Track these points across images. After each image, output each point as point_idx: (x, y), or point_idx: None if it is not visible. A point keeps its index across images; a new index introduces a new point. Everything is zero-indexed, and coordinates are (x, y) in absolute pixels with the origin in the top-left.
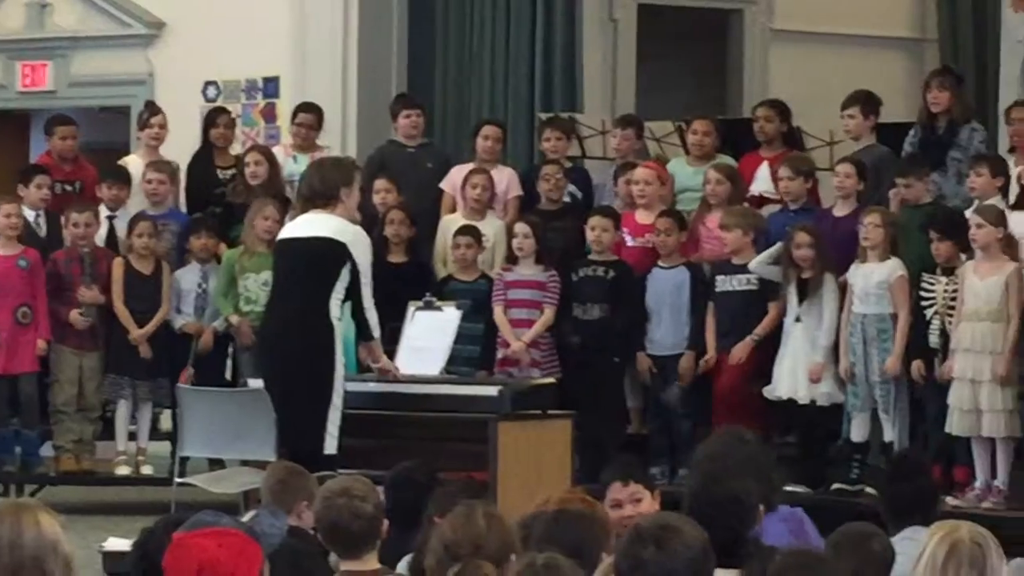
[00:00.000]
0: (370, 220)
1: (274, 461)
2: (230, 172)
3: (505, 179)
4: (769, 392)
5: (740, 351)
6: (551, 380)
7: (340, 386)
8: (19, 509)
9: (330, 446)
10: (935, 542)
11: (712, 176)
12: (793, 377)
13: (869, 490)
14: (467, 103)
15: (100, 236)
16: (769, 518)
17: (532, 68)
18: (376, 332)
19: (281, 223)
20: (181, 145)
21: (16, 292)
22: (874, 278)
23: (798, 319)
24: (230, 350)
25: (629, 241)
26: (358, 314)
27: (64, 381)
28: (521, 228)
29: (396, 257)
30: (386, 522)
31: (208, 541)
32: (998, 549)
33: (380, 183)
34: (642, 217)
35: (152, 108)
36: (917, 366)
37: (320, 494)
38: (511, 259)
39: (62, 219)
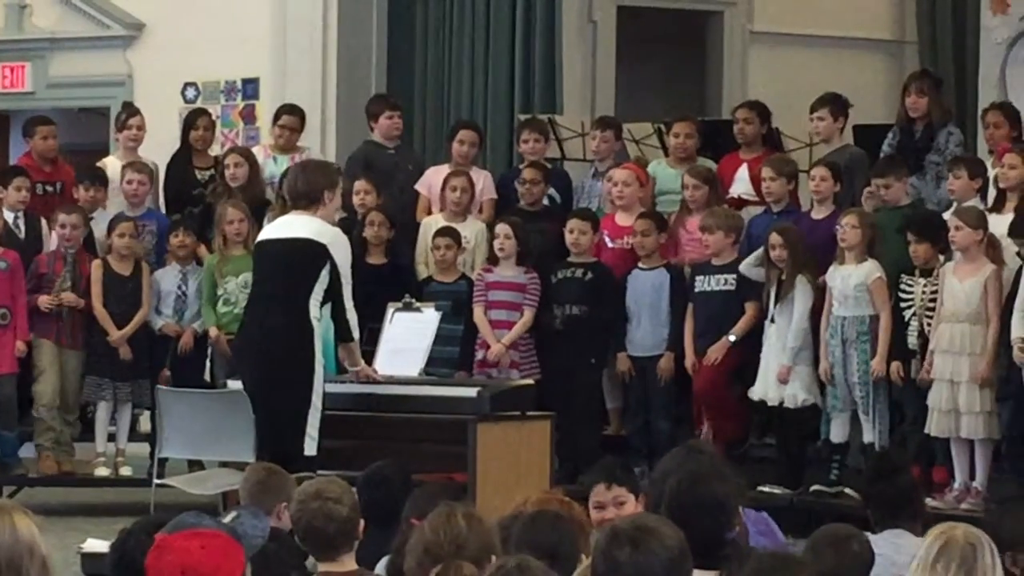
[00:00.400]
0: (350, 221)
1: (253, 463)
2: (208, 173)
3: (480, 181)
4: (752, 394)
5: (716, 351)
6: (530, 382)
7: (320, 387)
8: None
9: (309, 447)
10: (929, 540)
11: (689, 181)
12: (765, 379)
13: (848, 491)
14: (446, 104)
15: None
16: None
17: (511, 69)
18: (355, 334)
19: (247, 222)
20: (160, 146)
21: None
22: (852, 280)
23: (772, 320)
24: (208, 351)
25: (609, 243)
26: (338, 315)
27: (47, 374)
28: (502, 229)
29: (375, 258)
30: (362, 523)
31: (191, 543)
32: (993, 551)
33: (360, 184)
34: (621, 219)
35: (130, 109)
36: (896, 367)
37: (295, 497)
38: (491, 260)
39: (46, 221)
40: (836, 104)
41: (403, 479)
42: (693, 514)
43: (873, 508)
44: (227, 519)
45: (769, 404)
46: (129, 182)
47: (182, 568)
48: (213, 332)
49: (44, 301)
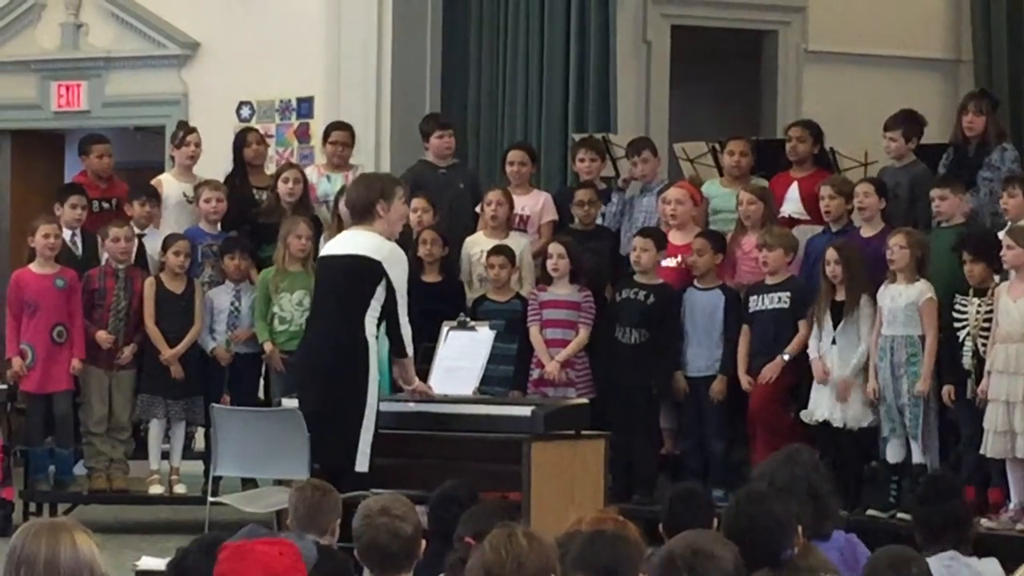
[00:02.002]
0: (404, 239)
1: (301, 481)
2: (266, 192)
3: (540, 203)
4: (807, 415)
5: (770, 370)
6: (584, 400)
7: (374, 404)
8: (55, 528)
9: (361, 464)
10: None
11: (744, 197)
12: (829, 400)
13: (902, 514)
14: (500, 124)
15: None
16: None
17: (566, 89)
18: (410, 350)
19: (314, 241)
20: (215, 165)
21: (53, 311)
22: (902, 300)
23: (834, 341)
24: (263, 369)
25: (662, 261)
26: (393, 331)
27: (94, 401)
28: (555, 248)
29: (429, 277)
30: (424, 542)
31: (271, 548)
32: None
33: (416, 202)
34: (675, 237)
35: (187, 128)
36: (948, 390)
37: (360, 512)
38: (544, 280)
39: (99, 236)
40: (909, 123)
41: (472, 499)
42: (750, 533)
43: (920, 529)
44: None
45: (824, 423)
46: (207, 200)
47: (263, 570)
48: (268, 347)
49: (102, 339)
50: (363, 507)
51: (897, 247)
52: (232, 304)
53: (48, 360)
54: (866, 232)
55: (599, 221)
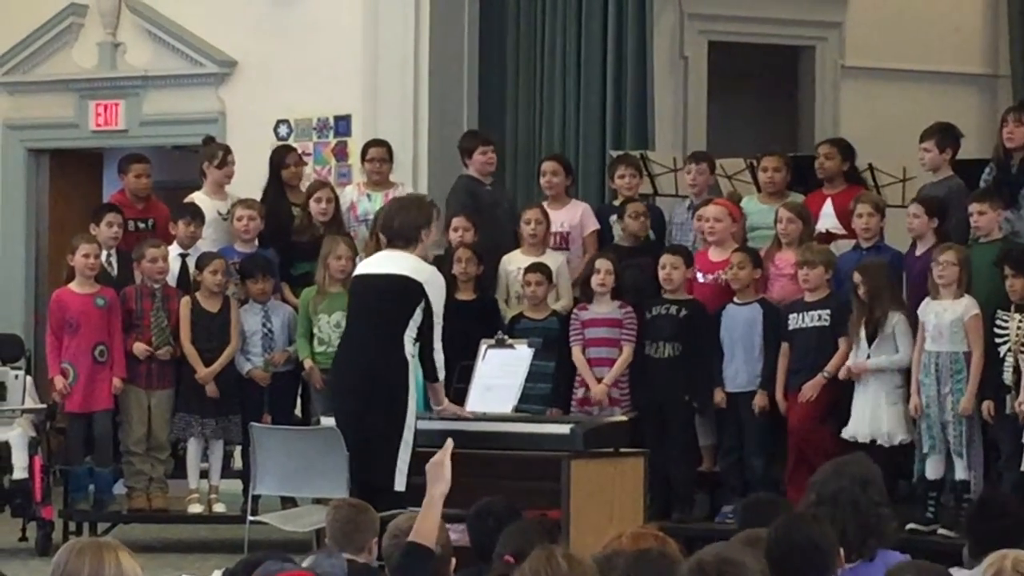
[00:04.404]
0: (443, 258)
1: (336, 499)
2: (299, 210)
3: (579, 214)
4: (847, 433)
5: (810, 389)
6: (623, 418)
7: (412, 423)
8: (99, 547)
9: (399, 483)
10: (982, 569)
11: (784, 215)
12: (863, 417)
13: (943, 530)
14: (538, 141)
15: (173, 274)
16: (870, 566)
17: (603, 105)
18: (441, 375)
19: (349, 260)
20: (253, 183)
21: (94, 330)
22: (948, 316)
23: (868, 358)
24: (300, 388)
25: (700, 278)
26: (425, 355)
27: (133, 421)
28: (603, 264)
29: (464, 295)
30: (453, 561)
31: None
32: None
33: (458, 221)
34: (713, 254)
35: (225, 147)
36: (987, 405)
37: (388, 531)
38: (585, 297)
39: (133, 255)
40: (943, 135)
41: (511, 515)
42: (790, 558)
43: (971, 545)
44: (306, 563)
45: (861, 441)
46: (239, 219)
47: None
48: (308, 364)
49: (140, 350)
50: (392, 527)
51: (948, 263)
52: (264, 326)
53: (90, 379)
54: (919, 250)
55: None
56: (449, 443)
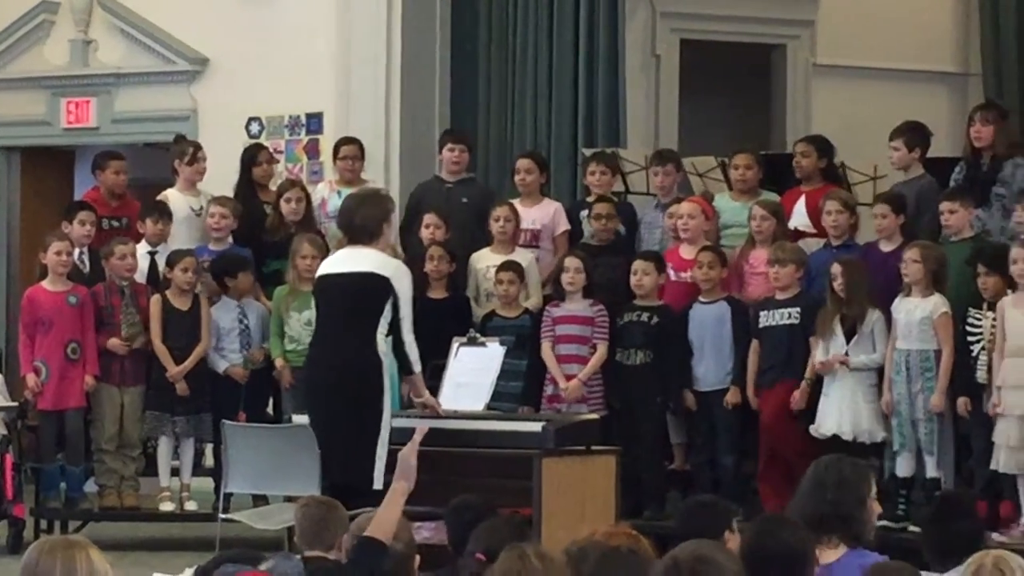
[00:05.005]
0: (413, 256)
1: (306, 497)
2: (271, 208)
3: (552, 213)
4: (815, 430)
5: (799, 398)
6: (595, 416)
7: (387, 421)
8: (71, 546)
9: (377, 481)
10: (963, 569)
11: (757, 212)
12: (839, 414)
13: (913, 528)
14: (510, 139)
15: (142, 272)
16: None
17: (575, 104)
18: (417, 367)
19: (319, 258)
20: (223, 180)
21: (66, 328)
22: (917, 314)
23: (847, 355)
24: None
25: (673, 276)
26: (399, 348)
27: (105, 419)
28: (572, 262)
29: (436, 293)
30: (418, 558)
31: None
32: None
33: (429, 218)
34: (686, 252)
35: (195, 144)
36: (963, 403)
37: (351, 529)
38: (558, 294)
39: (102, 252)
40: (912, 134)
41: (488, 511)
42: (767, 561)
43: (930, 547)
44: (264, 566)
45: (834, 437)
46: (212, 216)
47: None
48: (279, 363)
49: (117, 345)
50: (353, 526)
51: (911, 261)
52: (240, 322)
53: (62, 377)
54: (885, 247)
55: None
56: (419, 435)
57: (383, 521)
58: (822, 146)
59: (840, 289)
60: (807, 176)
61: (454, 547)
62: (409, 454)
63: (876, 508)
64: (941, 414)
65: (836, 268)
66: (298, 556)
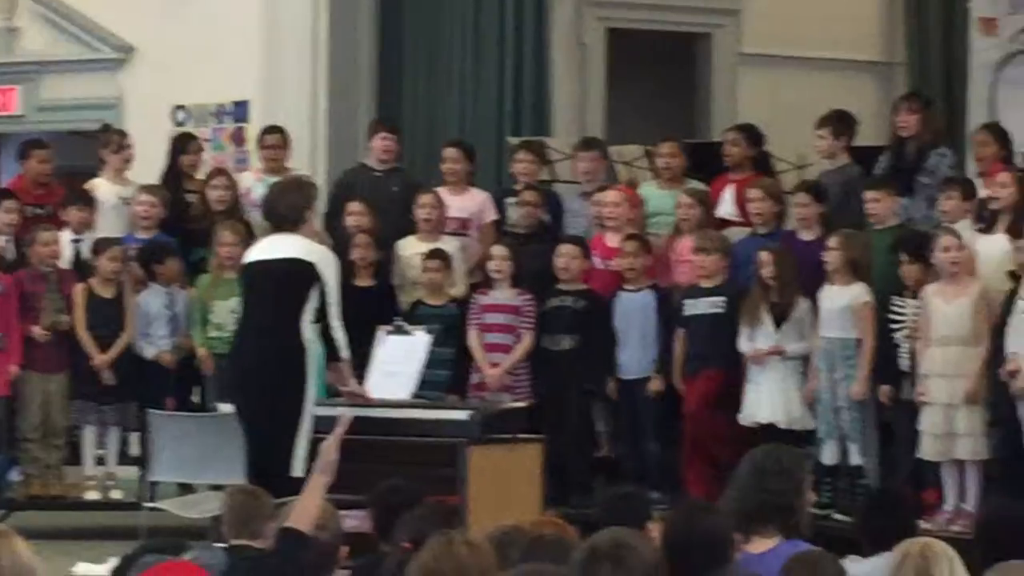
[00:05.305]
0: (340, 244)
1: (232, 486)
2: (196, 196)
3: (479, 202)
4: (745, 418)
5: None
6: (521, 405)
7: (311, 409)
8: None
9: (298, 469)
10: (891, 557)
11: (684, 200)
12: (771, 402)
13: (838, 515)
14: (437, 127)
15: (66, 259)
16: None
17: (501, 92)
18: (345, 353)
19: (241, 246)
20: (149, 168)
21: None
22: (839, 302)
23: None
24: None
25: (599, 264)
26: (327, 334)
27: (30, 407)
28: (499, 251)
29: (363, 281)
30: (345, 549)
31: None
32: (951, 564)
33: (354, 206)
34: (612, 240)
35: (120, 132)
36: (886, 391)
37: (279, 519)
38: (485, 283)
39: (25, 240)
40: (839, 123)
41: (414, 500)
42: (688, 549)
43: (865, 539)
44: (186, 556)
45: (780, 427)
46: (140, 204)
47: None
48: (201, 353)
49: (39, 333)
50: (282, 515)
51: (832, 249)
52: (168, 309)
53: None
54: (805, 236)
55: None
56: (341, 426)
57: (303, 511)
58: (751, 134)
59: (768, 277)
60: (736, 165)
61: (381, 535)
62: (330, 447)
63: (811, 497)
64: (864, 402)
65: (764, 256)
66: (222, 545)
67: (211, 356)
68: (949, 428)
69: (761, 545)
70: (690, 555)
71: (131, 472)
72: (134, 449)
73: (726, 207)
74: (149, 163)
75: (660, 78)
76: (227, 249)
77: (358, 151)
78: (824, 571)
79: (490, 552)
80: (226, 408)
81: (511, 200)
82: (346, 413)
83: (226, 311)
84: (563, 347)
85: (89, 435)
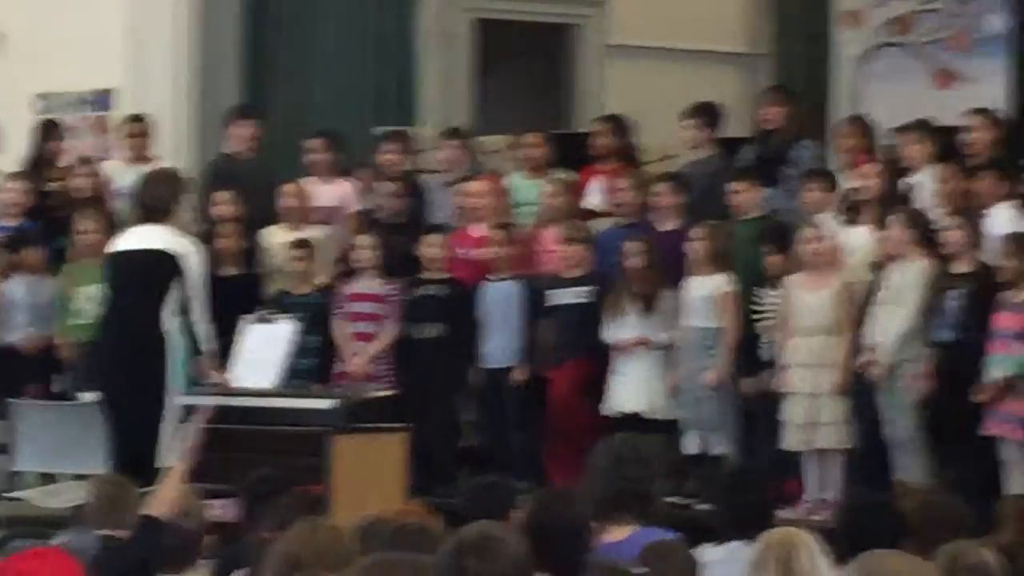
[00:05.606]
0: (206, 232)
1: (97, 475)
2: (59, 184)
3: (345, 192)
4: (609, 408)
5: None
6: (387, 393)
7: (174, 398)
8: None
9: (162, 459)
10: (748, 544)
11: (548, 190)
12: (635, 392)
13: (702, 504)
14: (304, 116)
15: None
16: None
17: (368, 82)
18: (207, 346)
19: (101, 234)
20: (14, 157)
21: None
22: (701, 292)
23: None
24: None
25: (464, 254)
26: (190, 327)
27: None
28: (364, 240)
29: (228, 270)
30: (207, 538)
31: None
32: (811, 553)
33: (221, 195)
34: (477, 230)
35: None
36: (747, 382)
37: (144, 509)
38: (349, 272)
39: None
40: (705, 114)
41: (285, 488)
42: (547, 536)
43: (721, 521)
44: (57, 540)
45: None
46: (6, 191)
47: None
48: (59, 339)
49: None
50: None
51: (695, 239)
52: (32, 297)
53: None
54: (666, 226)
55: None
56: (201, 416)
57: (162, 499)
58: (619, 125)
59: (633, 268)
60: (604, 155)
61: (249, 524)
62: (190, 436)
63: (667, 486)
64: (725, 391)
65: (630, 246)
66: (108, 532)
67: (72, 344)
68: (812, 418)
69: (617, 533)
70: (550, 543)
71: None
72: None
73: (594, 198)
74: (12, 151)
75: (528, 69)
76: (87, 237)
77: (223, 140)
78: (677, 559)
79: (352, 539)
80: (89, 397)
81: (378, 191)
82: (207, 402)
83: (85, 298)
84: (428, 335)
85: None
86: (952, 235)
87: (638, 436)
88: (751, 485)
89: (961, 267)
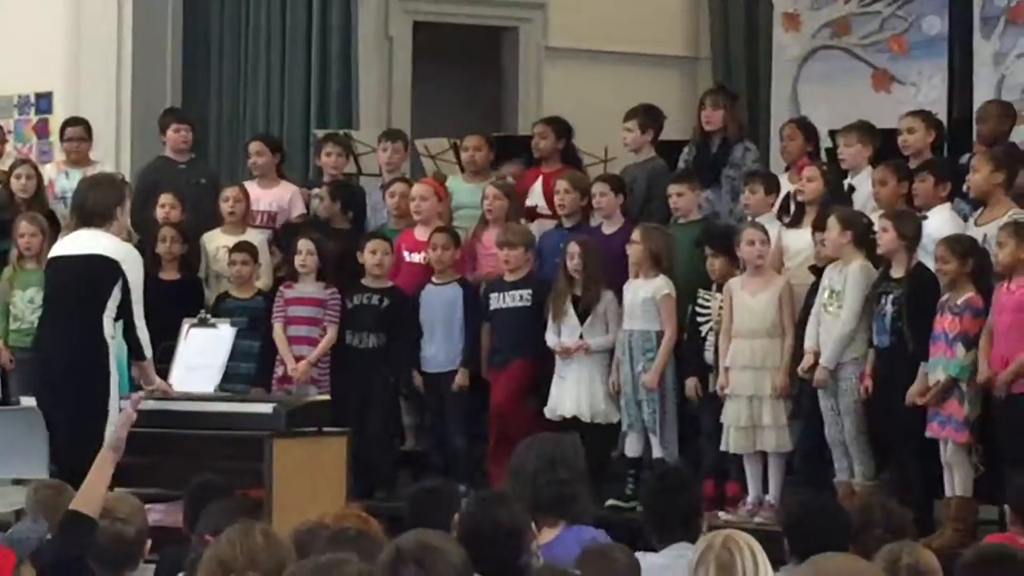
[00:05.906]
0: (145, 237)
1: (36, 480)
2: None
3: (288, 196)
4: (550, 411)
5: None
6: (326, 397)
7: (115, 404)
8: None
9: None
10: (696, 547)
11: (490, 192)
12: (576, 396)
13: (641, 507)
14: (242, 119)
15: None
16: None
17: (307, 84)
18: (148, 352)
19: (41, 238)
20: None
21: None
22: (640, 295)
23: (581, 337)
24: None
25: (407, 257)
26: (129, 334)
27: None
28: (305, 245)
29: (168, 274)
30: (148, 543)
31: None
32: (753, 555)
33: (165, 198)
34: (420, 233)
35: None
36: (692, 384)
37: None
38: (291, 276)
39: None
40: (645, 116)
41: (227, 493)
42: (483, 541)
43: (650, 522)
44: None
45: (570, 418)
46: None
47: None
48: (0, 345)
49: None
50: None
51: (634, 243)
52: None
53: None
54: (606, 229)
55: None
56: (132, 405)
57: (90, 492)
58: (560, 127)
59: (574, 270)
60: (545, 157)
61: (190, 528)
62: (121, 425)
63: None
64: (664, 394)
65: (572, 248)
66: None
67: (10, 349)
68: (753, 421)
69: (545, 535)
70: (485, 547)
71: None
72: None
73: (534, 198)
74: None
75: (467, 72)
76: (26, 240)
77: (160, 144)
78: (617, 561)
79: (288, 545)
80: (28, 402)
81: (316, 191)
82: (136, 394)
83: (24, 302)
84: (368, 345)
85: None
86: (883, 237)
87: (561, 437)
88: (678, 487)
89: (897, 270)
